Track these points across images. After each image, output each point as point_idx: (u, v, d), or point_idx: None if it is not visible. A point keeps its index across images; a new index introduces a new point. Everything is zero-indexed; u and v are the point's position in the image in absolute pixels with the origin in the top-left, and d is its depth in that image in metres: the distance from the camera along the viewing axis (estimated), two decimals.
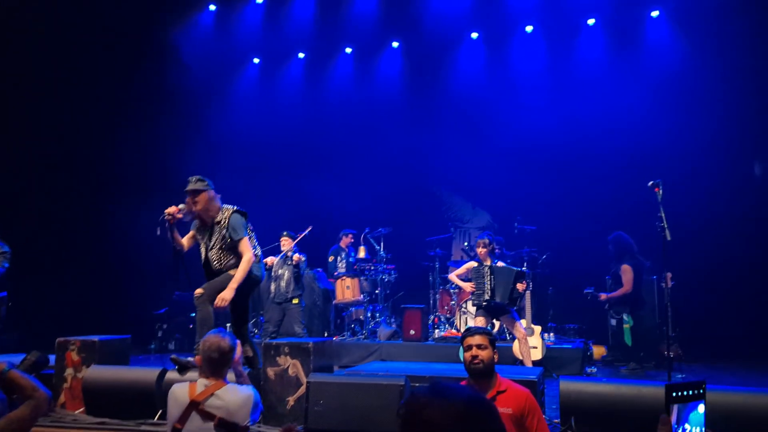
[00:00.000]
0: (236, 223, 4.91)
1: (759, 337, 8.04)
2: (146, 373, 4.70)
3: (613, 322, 7.80)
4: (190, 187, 4.91)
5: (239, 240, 4.89)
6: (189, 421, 2.85)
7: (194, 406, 2.86)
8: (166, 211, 4.78)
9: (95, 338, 5.14)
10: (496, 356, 3.43)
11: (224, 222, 4.92)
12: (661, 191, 5.00)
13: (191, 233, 5.11)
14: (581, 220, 9.43)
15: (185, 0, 10.73)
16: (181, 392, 2.94)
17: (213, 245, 4.94)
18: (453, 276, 7.08)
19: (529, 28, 10.58)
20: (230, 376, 3.18)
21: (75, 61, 9.81)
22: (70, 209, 9.91)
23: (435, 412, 1.17)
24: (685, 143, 9.06)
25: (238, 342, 3.24)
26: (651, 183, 5.07)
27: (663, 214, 4.93)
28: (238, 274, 4.85)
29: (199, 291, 4.80)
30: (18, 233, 7.52)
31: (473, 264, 6.78)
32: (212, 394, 2.89)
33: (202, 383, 2.95)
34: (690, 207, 8.45)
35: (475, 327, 3.58)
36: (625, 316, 7.59)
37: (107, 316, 9.07)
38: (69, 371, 5.05)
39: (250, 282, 5.03)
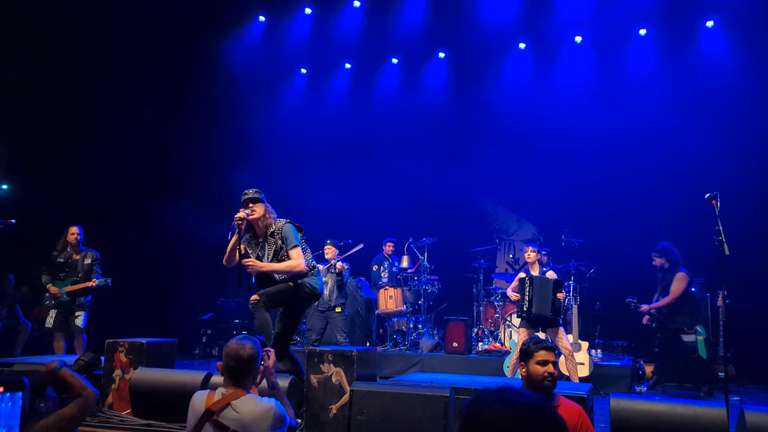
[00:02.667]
0: (289, 232, 4.91)
1: None
2: (192, 377, 4.74)
3: (692, 338, 7.28)
4: (248, 196, 4.96)
5: (293, 248, 4.86)
6: (203, 431, 2.71)
7: (208, 415, 2.71)
8: (237, 215, 4.82)
9: (143, 340, 5.22)
10: None
11: (278, 233, 4.93)
12: (718, 204, 4.80)
13: (242, 246, 5.10)
14: (630, 233, 9.17)
15: (236, 11, 10.96)
16: (199, 400, 2.80)
17: (267, 257, 4.94)
18: (509, 291, 7.00)
19: (578, 39, 10.42)
20: (264, 387, 3.04)
21: (128, 74, 10.09)
22: (123, 215, 10.19)
23: (498, 413, 1.14)
24: (740, 156, 8.75)
25: (272, 351, 3.10)
26: (708, 195, 4.88)
27: (721, 228, 4.74)
28: (281, 266, 4.83)
29: (255, 297, 4.79)
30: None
31: (522, 275, 6.71)
32: (228, 405, 2.72)
33: (220, 392, 2.79)
34: (745, 221, 8.13)
35: (547, 341, 3.43)
36: (699, 328, 7.25)
37: (154, 321, 9.26)
38: (117, 372, 5.14)
39: (306, 295, 4.96)
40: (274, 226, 4.95)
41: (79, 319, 7.10)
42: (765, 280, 8.26)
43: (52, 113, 9.95)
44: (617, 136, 9.66)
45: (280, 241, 4.89)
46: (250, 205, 4.90)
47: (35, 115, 10.04)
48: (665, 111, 9.40)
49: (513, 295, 6.78)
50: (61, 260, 7.17)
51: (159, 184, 10.48)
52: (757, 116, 8.75)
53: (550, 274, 6.68)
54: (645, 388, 7.46)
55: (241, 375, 2.83)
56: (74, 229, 7.24)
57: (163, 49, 10.26)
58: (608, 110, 9.84)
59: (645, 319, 7.55)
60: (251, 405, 2.74)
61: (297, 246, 4.89)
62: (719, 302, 5.69)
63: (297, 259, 4.84)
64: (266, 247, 4.97)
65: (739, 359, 7.54)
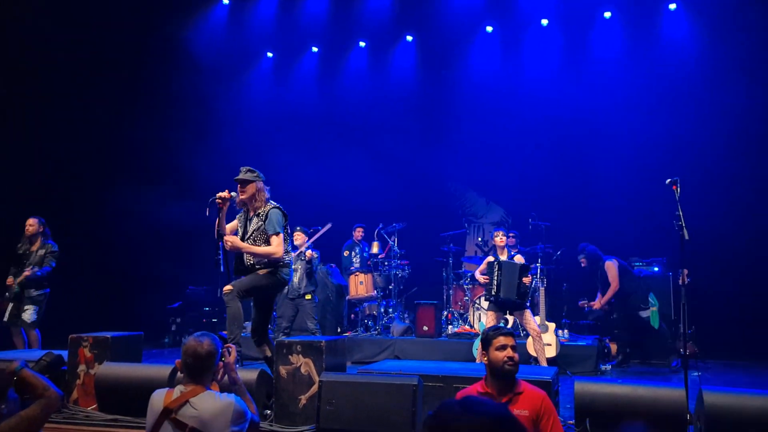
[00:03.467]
0: (275, 217, 5.00)
1: None
2: (158, 370, 4.69)
3: (647, 313, 7.60)
4: (240, 176, 5.04)
5: (274, 235, 4.95)
6: (162, 430, 2.67)
7: (167, 414, 2.67)
8: (218, 194, 4.87)
9: (108, 335, 5.15)
10: None
11: (264, 213, 5.02)
12: (678, 189, 4.89)
13: (235, 222, 5.23)
14: (596, 216, 9.34)
15: None
16: (157, 399, 2.77)
17: (249, 235, 5.02)
18: (477, 274, 7.08)
19: (544, 22, 10.45)
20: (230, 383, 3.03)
21: (83, 58, 9.77)
22: (81, 203, 9.95)
23: (462, 425, 1.15)
24: (703, 139, 8.92)
25: (233, 348, 3.09)
26: (669, 180, 4.96)
27: (681, 213, 4.82)
28: (259, 249, 4.92)
29: (228, 288, 4.86)
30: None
31: (491, 259, 6.78)
32: (186, 402, 2.68)
33: (178, 390, 2.76)
34: (708, 204, 8.33)
35: (504, 327, 3.49)
36: (651, 299, 7.47)
37: (121, 312, 9.13)
38: (82, 368, 5.06)
39: (277, 283, 5.06)
40: (263, 208, 5.04)
41: (27, 314, 6.85)
42: (725, 260, 8.50)
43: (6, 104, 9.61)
44: (584, 120, 9.78)
45: (262, 223, 4.97)
46: (239, 186, 5.00)
47: None
48: (630, 94, 9.53)
49: (481, 278, 6.86)
50: (20, 252, 7.03)
51: (123, 170, 10.24)
52: (719, 100, 8.91)
53: (518, 259, 6.76)
54: (610, 367, 7.65)
55: (200, 372, 2.81)
56: (31, 221, 7.07)
57: (120, 33, 9.94)
58: (575, 94, 9.93)
59: (599, 307, 7.78)
60: (210, 401, 2.72)
61: (280, 233, 4.98)
62: (681, 281, 5.83)
63: (277, 246, 4.94)
64: (249, 224, 5.06)
65: (701, 336, 7.77)
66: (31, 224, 7.06)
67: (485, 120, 10.59)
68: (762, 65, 8.72)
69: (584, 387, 4.24)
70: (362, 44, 11.41)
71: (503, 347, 3.27)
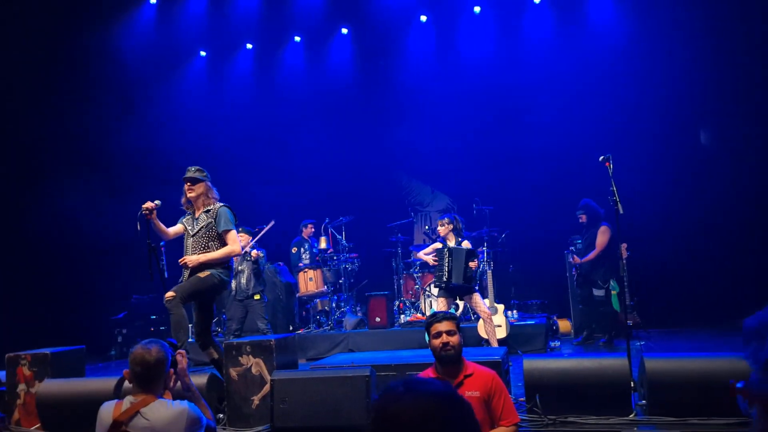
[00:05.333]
0: (226, 215, 5.00)
1: (712, 302, 8.27)
2: (103, 383, 4.55)
3: (601, 293, 7.60)
4: (188, 175, 5.04)
5: (226, 231, 4.96)
6: None
7: (116, 427, 2.59)
8: (144, 206, 4.79)
9: (47, 351, 4.95)
10: (462, 339, 3.42)
11: (213, 211, 5.01)
12: (611, 165, 5.04)
13: (180, 224, 5.17)
14: (538, 197, 9.57)
15: None
16: (106, 412, 2.68)
17: (197, 232, 4.99)
18: (422, 254, 7.13)
19: (477, 9, 10.58)
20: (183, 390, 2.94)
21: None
22: (14, 213, 9.51)
23: (405, 406, 1.16)
24: (637, 116, 9.23)
25: (183, 353, 3.01)
26: (602, 158, 5.10)
27: (615, 188, 4.97)
28: (215, 254, 4.91)
29: (170, 294, 4.78)
30: None
31: (438, 245, 6.83)
32: (137, 413, 2.60)
33: (128, 401, 2.67)
34: (645, 178, 8.64)
35: (441, 312, 3.53)
36: (612, 282, 7.62)
37: (62, 327, 8.79)
38: (21, 387, 4.86)
39: (216, 286, 5.01)
40: (212, 207, 5.04)
41: None
42: (663, 233, 8.82)
43: None
44: (519, 104, 9.97)
45: (212, 220, 4.98)
46: (188, 185, 5.01)
47: None
48: (564, 77, 9.75)
49: (428, 258, 6.92)
50: None
51: (49, 178, 9.81)
52: (648, 77, 9.24)
53: (466, 245, 6.84)
54: (559, 343, 7.85)
55: (150, 380, 2.72)
56: None
57: (42, 36, 9.52)
58: (509, 79, 10.10)
59: (578, 263, 7.80)
60: (162, 410, 2.64)
61: (233, 229, 5.00)
62: (621, 254, 6.03)
63: (233, 244, 4.97)
64: (196, 223, 5.03)
65: (643, 307, 8.06)
66: None
67: (426, 109, 10.66)
68: (690, 42, 9.05)
69: (532, 364, 4.34)
70: (297, 39, 11.29)
71: (438, 334, 3.34)
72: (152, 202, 4.83)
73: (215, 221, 4.96)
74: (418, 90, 10.67)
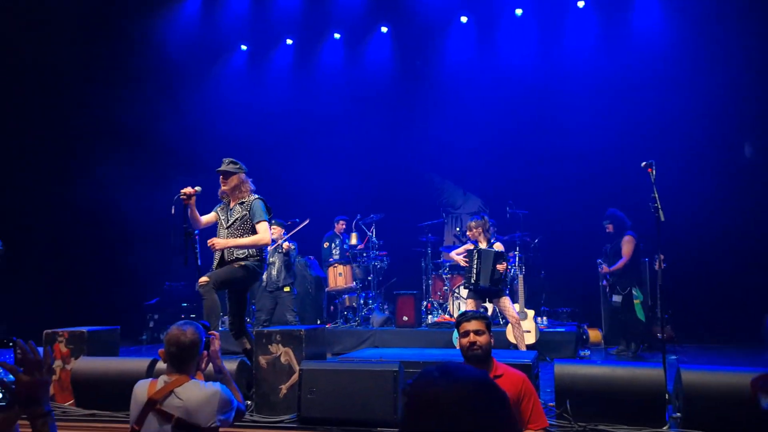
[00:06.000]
0: (258, 207, 5.04)
1: (750, 319, 8.04)
2: (136, 364, 4.63)
3: (617, 299, 7.55)
4: (222, 168, 5.10)
5: (259, 222, 4.99)
6: (147, 422, 2.60)
7: (151, 405, 2.62)
8: (182, 190, 4.85)
9: (84, 329, 5.06)
10: (492, 340, 3.39)
11: (248, 203, 5.06)
12: (654, 172, 4.95)
13: (213, 213, 5.23)
14: (573, 203, 9.41)
15: None
16: (141, 390, 2.71)
17: (231, 224, 5.04)
18: (453, 254, 7.09)
19: (518, 11, 10.48)
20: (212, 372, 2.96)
21: (48, 60, 9.55)
22: (58, 197, 9.74)
23: (441, 391, 1.14)
24: (678, 124, 9.03)
25: (216, 335, 3.02)
26: (644, 164, 5.01)
27: (656, 195, 4.88)
28: (243, 240, 4.95)
29: (204, 279, 4.83)
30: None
31: (470, 246, 6.79)
32: (171, 392, 2.63)
33: (162, 380, 2.70)
34: (683, 188, 8.44)
35: (471, 311, 3.50)
36: (634, 291, 7.49)
37: (97, 309, 8.97)
38: (58, 363, 4.98)
39: (249, 276, 5.05)
40: (246, 199, 5.09)
41: None
42: (700, 245, 8.61)
43: None
44: (559, 108, 9.83)
45: (246, 212, 5.02)
46: (221, 178, 5.07)
47: None
48: (605, 81, 9.58)
49: (459, 259, 6.87)
50: None
51: (94, 162, 10.01)
52: (694, 86, 9.01)
53: (498, 246, 6.78)
54: (588, 352, 7.73)
55: (184, 361, 2.74)
56: None
57: (89, 30, 9.74)
58: (550, 82, 9.99)
59: (606, 272, 7.72)
60: (195, 391, 2.67)
61: (265, 220, 5.03)
62: (657, 266, 5.90)
63: (263, 233, 4.99)
64: (231, 214, 5.09)
65: (677, 320, 7.88)
66: None
67: (461, 110, 10.60)
68: (733, 50, 8.82)
69: (564, 369, 4.28)
70: (337, 36, 11.33)
71: (466, 333, 3.31)
72: (193, 188, 4.88)
73: (249, 213, 5.01)
74: (454, 91, 10.62)
